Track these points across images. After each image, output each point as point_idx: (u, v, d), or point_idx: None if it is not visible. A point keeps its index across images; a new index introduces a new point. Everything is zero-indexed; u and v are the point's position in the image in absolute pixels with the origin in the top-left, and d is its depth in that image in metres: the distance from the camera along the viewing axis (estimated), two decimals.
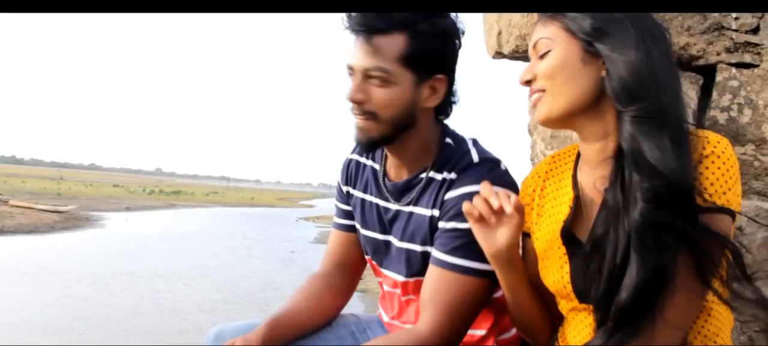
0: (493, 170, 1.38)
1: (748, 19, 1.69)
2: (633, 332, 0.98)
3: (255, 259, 17.97)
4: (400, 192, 1.47)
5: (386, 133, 1.38)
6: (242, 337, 1.41)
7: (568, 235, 1.14)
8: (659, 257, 0.97)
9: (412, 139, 1.42)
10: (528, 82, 1.16)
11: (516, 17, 1.91)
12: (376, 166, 1.55)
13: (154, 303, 10.99)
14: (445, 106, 1.45)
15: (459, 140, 1.45)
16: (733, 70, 1.69)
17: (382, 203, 1.52)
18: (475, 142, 1.45)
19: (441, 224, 1.37)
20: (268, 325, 1.45)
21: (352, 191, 1.62)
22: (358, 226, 1.60)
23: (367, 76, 1.34)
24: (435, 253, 1.36)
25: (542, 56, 1.13)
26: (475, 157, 1.40)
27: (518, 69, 1.46)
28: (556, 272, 1.16)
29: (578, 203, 1.15)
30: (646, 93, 1.02)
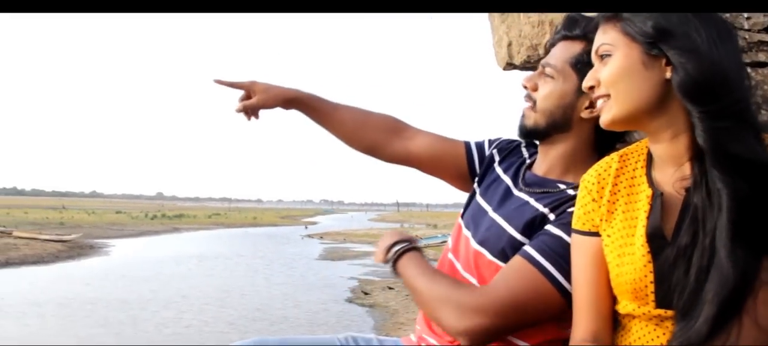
0: None
1: (759, 18, 1.70)
2: (719, 333, 0.97)
3: (274, 277, 18.19)
4: (530, 183, 1.49)
5: (540, 124, 1.46)
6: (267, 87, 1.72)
7: (655, 233, 1.10)
8: (748, 258, 0.97)
9: (562, 143, 1.46)
10: (591, 88, 1.17)
11: (526, 28, 1.92)
12: (527, 160, 1.58)
13: (188, 325, 11.26)
14: (609, 138, 1.44)
15: None
16: (748, 69, 1.69)
17: (510, 185, 1.53)
18: None
19: (548, 226, 1.35)
20: (308, 94, 1.74)
21: (496, 162, 1.63)
22: (477, 192, 1.61)
23: (542, 71, 1.47)
24: (527, 248, 1.34)
25: (603, 61, 1.14)
26: None
27: None
28: (638, 270, 1.10)
29: (660, 201, 1.11)
30: (720, 91, 1.01)
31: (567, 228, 1.30)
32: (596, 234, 1.20)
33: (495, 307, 1.27)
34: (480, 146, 1.69)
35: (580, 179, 1.26)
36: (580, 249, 1.22)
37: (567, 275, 1.27)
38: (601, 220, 1.19)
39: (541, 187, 1.46)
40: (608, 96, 1.13)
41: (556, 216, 1.37)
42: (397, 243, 1.46)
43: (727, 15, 1.69)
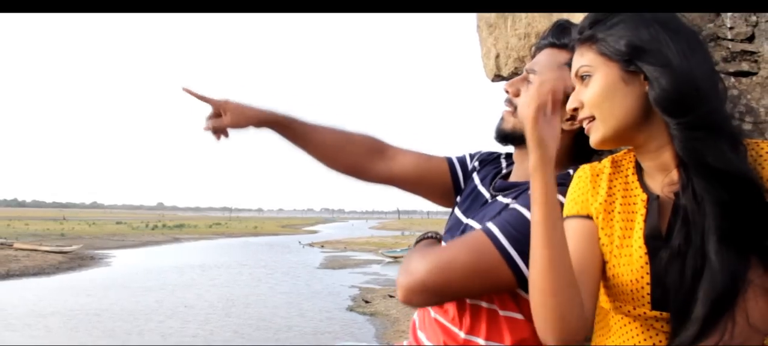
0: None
1: (742, 27, 1.71)
2: (711, 333, 1.00)
3: (277, 286, 18.28)
4: (503, 189, 1.49)
5: (518, 129, 1.43)
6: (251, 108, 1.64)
7: (653, 235, 1.12)
8: (737, 259, 1.00)
9: None
10: (575, 110, 1.19)
11: (513, 40, 1.94)
12: (503, 170, 1.58)
13: (193, 334, 11.40)
14: (586, 152, 1.40)
15: None
16: (732, 79, 1.71)
17: (486, 194, 1.53)
18: None
19: (511, 205, 1.35)
20: (284, 115, 1.65)
21: (476, 173, 1.63)
22: (457, 204, 1.61)
23: (526, 77, 1.45)
24: (484, 221, 1.35)
25: (584, 82, 1.16)
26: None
27: None
28: (635, 271, 1.12)
29: (656, 204, 1.13)
30: (693, 102, 1.05)
31: (527, 203, 1.30)
32: (589, 217, 1.21)
33: (432, 264, 1.28)
34: (462, 161, 1.69)
35: (574, 174, 1.28)
36: (571, 233, 1.21)
37: (518, 247, 1.26)
38: (597, 216, 1.20)
39: (511, 190, 1.46)
40: (593, 118, 1.15)
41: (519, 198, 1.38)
42: (426, 233, 1.54)
43: (711, 24, 1.71)
